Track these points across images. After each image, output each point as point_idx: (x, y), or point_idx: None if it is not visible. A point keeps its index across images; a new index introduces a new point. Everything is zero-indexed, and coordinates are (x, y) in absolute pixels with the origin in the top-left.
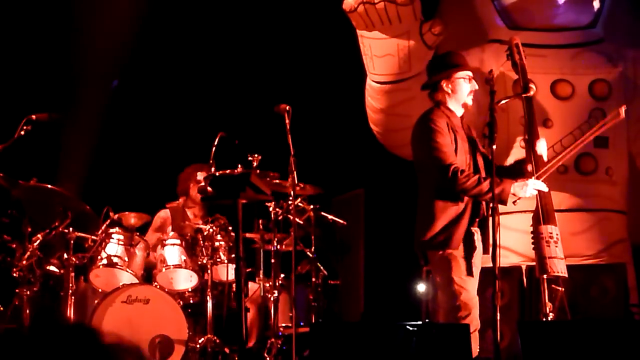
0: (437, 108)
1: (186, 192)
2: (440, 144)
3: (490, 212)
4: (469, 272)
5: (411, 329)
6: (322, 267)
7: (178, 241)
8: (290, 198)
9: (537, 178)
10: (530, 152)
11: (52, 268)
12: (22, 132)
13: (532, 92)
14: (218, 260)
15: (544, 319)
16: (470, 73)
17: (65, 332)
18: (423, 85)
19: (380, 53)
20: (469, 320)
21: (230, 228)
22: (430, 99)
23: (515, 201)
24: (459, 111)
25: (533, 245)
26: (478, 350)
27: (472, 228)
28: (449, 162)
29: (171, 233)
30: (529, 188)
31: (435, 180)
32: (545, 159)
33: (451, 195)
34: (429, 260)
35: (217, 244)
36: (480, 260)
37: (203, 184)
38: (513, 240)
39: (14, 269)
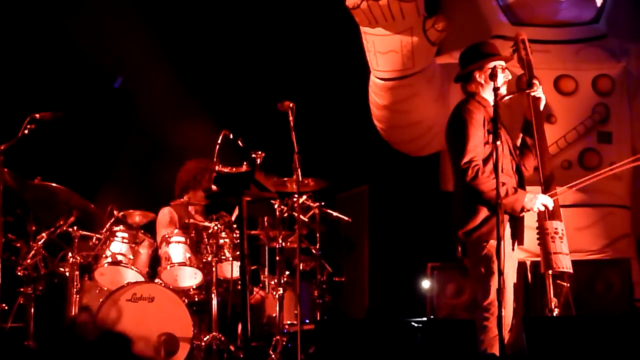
0: (473, 99)
1: (190, 186)
2: (470, 138)
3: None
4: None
5: (416, 325)
6: (326, 264)
7: (183, 239)
8: (295, 195)
9: (550, 196)
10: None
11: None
12: (26, 131)
13: (536, 88)
14: (223, 257)
15: (549, 315)
16: (503, 63)
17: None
18: (456, 77)
19: (383, 49)
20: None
21: (234, 225)
22: (463, 91)
23: (521, 213)
24: (492, 101)
25: (538, 241)
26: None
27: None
28: (470, 159)
29: (176, 231)
30: (538, 202)
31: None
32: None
33: None
34: (467, 252)
35: (221, 241)
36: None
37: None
38: None
39: (19, 268)
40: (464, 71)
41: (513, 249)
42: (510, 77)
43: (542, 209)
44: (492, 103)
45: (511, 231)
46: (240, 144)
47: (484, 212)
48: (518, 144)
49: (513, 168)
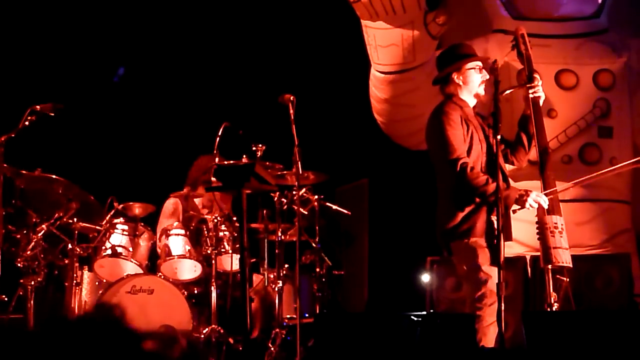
0: (450, 100)
1: (199, 181)
2: (451, 138)
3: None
4: (493, 261)
5: (415, 319)
6: (326, 258)
7: (182, 231)
8: (295, 188)
9: (545, 195)
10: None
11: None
12: (27, 123)
13: (536, 82)
14: (222, 250)
15: (549, 309)
16: (480, 63)
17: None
18: (434, 80)
19: (384, 43)
20: (494, 308)
21: (234, 218)
22: (441, 93)
23: (515, 210)
24: (471, 102)
25: (538, 236)
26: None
27: (491, 217)
28: (457, 157)
29: (175, 223)
30: (530, 199)
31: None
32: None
33: None
34: (452, 250)
35: (221, 234)
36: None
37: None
38: (518, 230)
39: (19, 259)
40: (442, 74)
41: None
42: (487, 76)
43: (535, 206)
44: (470, 104)
45: (491, 227)
46: (241, 135)
47: (462, 212)
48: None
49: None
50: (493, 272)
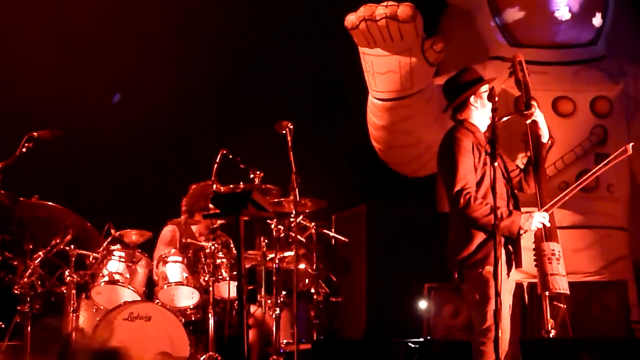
0: (462, 126)
1: (196, 208)
2: (459, 167)
3: (493, 229)
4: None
5: (413, 346)
6: (323, 285)
7: (180, 258)
8: (292, 215)
9: (545, 211)
10: (536, 179)
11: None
12: (24, 149)
13: (534, 109)
14: (220, 277)
15: (546, 336)
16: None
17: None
18: (446, 107)
19: (382, 70)
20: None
21: (232, 246)
22: (452, 119)
23: (521, 234)
24: (483, 127)
25: (535, 262)
26: None
27: (508, 246)
28: (461, 188)
29: (173, 250)
30: (535, 221)
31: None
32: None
33: None
34: (464, 277)
35: (218, 261)
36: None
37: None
38: None
39: (16, 286)
40: (460, 99)
41: (508, 275)
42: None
43: (540, 226)
44: (481, 129)
45: (507, 256)
46: (240, 163)
47: (478, 238)
48: (522, 164)
49: (508, 192)
50: (504, 304)
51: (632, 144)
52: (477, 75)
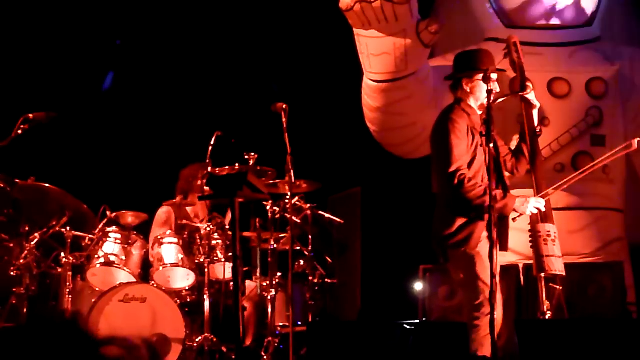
0: (458, 105)
1: (189, 190)
2: (454, 148)
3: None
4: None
5: (408, 327)
6: (319, 266)
7: (175, 240)
8: (287, 196)
9: (541, 197)
10: (532, 163)
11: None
12: (20, 131)
13: (529, 90)
14: (215, 258)
15: (542, 318)
16: (494, 75)
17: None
18: (446, 76)
19: (376, 52)
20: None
21: (227, 227)
22: (452, 92)
23: (515, 218)
24: (478, 110)
25: (531, 244)
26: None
27: (490, 226)
28: (456, 169)
29: (168, 232)
30: (530, 205)
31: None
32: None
33: None
34: (448, 257)
35: (214, 242)
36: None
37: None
38: (511, 238)
39: (12, 268)
40: (454, 76)
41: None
42: (498, 89)
43: (535, 212)
44: (478, 111)
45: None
46: (234, 145)
47: (460, 220)
48: (513, 148)
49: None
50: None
51: (638, 139)
52: (482, 63)
